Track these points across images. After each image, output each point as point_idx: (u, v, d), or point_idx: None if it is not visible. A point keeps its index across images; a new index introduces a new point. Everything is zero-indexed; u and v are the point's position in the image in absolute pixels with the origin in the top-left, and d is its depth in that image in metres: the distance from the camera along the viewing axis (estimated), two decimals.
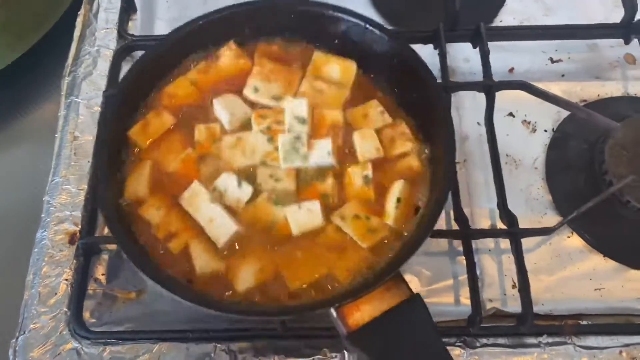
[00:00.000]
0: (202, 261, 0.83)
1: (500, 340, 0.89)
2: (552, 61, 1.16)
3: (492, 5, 1.22)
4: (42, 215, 0.99)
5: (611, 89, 1.11)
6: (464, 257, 0.92)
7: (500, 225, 0.97)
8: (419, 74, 0.92)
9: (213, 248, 0.85)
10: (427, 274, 0.95)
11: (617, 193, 0.96)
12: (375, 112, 0.93)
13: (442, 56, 1.06)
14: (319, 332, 0.89)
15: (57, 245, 0.97)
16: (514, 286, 0.94)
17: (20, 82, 1.20)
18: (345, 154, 0.91)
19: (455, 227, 0.96)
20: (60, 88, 1.11)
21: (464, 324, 0.90)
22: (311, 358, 0.87)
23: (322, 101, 0.94)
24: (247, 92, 0.94)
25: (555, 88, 1.07)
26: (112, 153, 0.90)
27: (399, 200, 0.86)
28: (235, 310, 0.81)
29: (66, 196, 1.00)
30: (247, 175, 0.88)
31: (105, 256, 0.98)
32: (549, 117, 1.08)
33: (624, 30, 1.11)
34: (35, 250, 0.97)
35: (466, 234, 0.93)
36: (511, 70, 1.14)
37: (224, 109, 0.92)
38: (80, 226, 0.98)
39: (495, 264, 0.97)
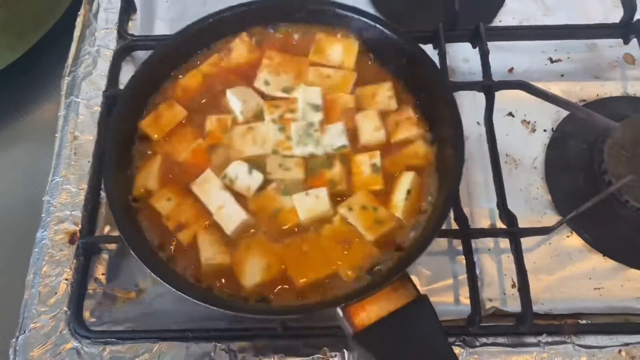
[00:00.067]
0: (209, 253, 0.84)
1: (500, 340, 0.89)
2: (552, 61, 1.16)
3: (491, 5, 1.22)
4: (42, 215, 0.99)
5: (610, 88, 1.11)
6: (463, 257, 0.92)
7: (500, 224, 0.97)
8: (430, 76, 0.93)
9: (220, 240, 0.85)
10: (426, 274, 0.95)
11: (616, 193, 0.96)
12: (384, 95, 0.94)
13: (442, 56, 1.07)
14: (319, 332, 0.89)
15: (57, 245, 0.97)
16: (513, 286, 0.94)
17: (20, 82, 1.20)
18: (355, 137, 0.92)
19: (454, 226, 0.96)
20: (60, 88, 1.11)
21: (464, 324, 0.90)
22: (311, 357, 0.87)
23: (331, 86, 0.95)
24: (258, 85, 0.95)
25: (554, 88, 1.07)
26: (121, 147, 0.91)
27: (409, 192, 0.86)
28: (241, 309, 0.81)
29: (66, 196, 1.00)
30: (257, 164, 0.89)
31: (105, 256, 0.98)
32: (549, 116, 1.08)
33: (623, 30, 1.11)
34: (36, 249, 0.97)
35: (466, 233, 0.94)
36: (510, 70, 1.14)
37: (237, 99, 0.93)
38: (80, 226, 0.98)
39: (494, 263, 0.97)
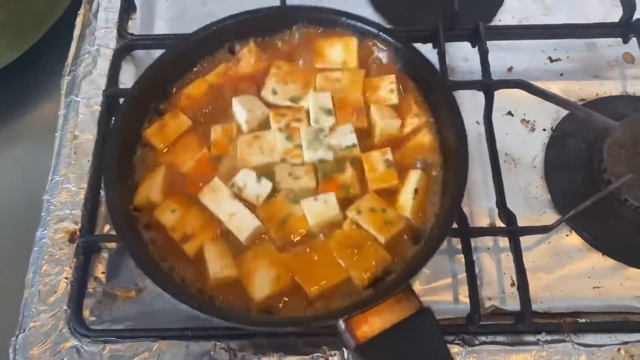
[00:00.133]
0: (217, 266, 0.82)
1: (499, 338, 0.89)
2: (551, 60, 1.16)
3: (491, 4, 1.23)
4: (42, 214, 0.99)
5: (610, 88, 1.11)
6: (463, 256, 0.92)
7: (499, 223, 0.98)
8: (431, 83, 0.93)
9: (228, 252, 0.84)
10: (426, 273, 0.95)
11: (616, 191, 0.96)
12: (386, 88, 0.93)
13: (441, 55, 1.07)
14: (318, 330, 0.89)
15: (57, 244, 0.97)
16: (512, 284, 0.94)
17: (20, 81, 1.20)
18: (365, 136, 0.91)
19: (454, 225, 0.96)
20: (60, 87, 1.11)
21: (463, 322, 0.90)
22: (310, 356, 0.88)
23: (342, 89, 0.94)
24: (266, 94, 0.94)
25: (554, 87, 1.07)
26: (122, 156, 0.90)
27: (416, 191, 0.86)
28: (243, 320, 0.80)
29: (66, 195, 1.00)
30: (265, 173, 0.88)
31: (105, 254, 0.98)
32: (548, 116, 1.08)
33: (623, 29, 1.11)
34: (35, 248, 0.97)
35: (465, 232, 0.94)
36: (510, 69, 1.14)
37: (242, 107, 0.92)
38: (80, 225, 0.98)
39: (494, 262, 0.97)
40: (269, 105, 0.94)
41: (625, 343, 0.88)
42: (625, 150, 0.98)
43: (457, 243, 0.95)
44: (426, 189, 0.87)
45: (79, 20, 1.18)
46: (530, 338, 0.89)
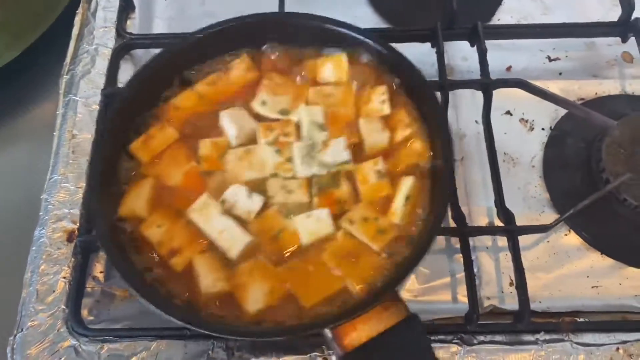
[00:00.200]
0: (209, 280, 0.80)
1: (498, 338, 0.89)
2: (550, 59, 1.16)
3: (490, 3, 1.22)
4: (40, 213, 0.99)
5: (609, 87, 1.11)
6: (461, 255, 0.92)
7: (498, 223, 0.97)
8: (417, 89, 0.91)
9: (219, 266, 0.81)
10: (424, 272, 0.95)
11: (614, 191, 0.96)
12: (377, 100, 0.91)
13: (440, 54, 1.06)
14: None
15: (55, 243, 0.97)
16: (511, 284, 0.94)
17: (18, 80, 1.20)
18: (357, 150, 0.89)
19: (452, 224, 0.96)
20: (59, 86, 1.11)
21: (461, 322, 0.90)
22: (308, 355, 0.87)
23: (334, 104, 0.92)
24: (255, 105, 0.92)
25: (552, 86, 1.07)
26: (109, 168, 0.87)
27: (408, 198, 0.85)
28: (229, 331, 0.79)
29: (64, 194, 1.00)
30: (257, 188, 0.86)
31: (103, 254, 0.98)
32: (547, 115, 1.08)
33: (622, 28, 1.11)
34: (34, 248, 0.97)
35: (463, 231, 0.94)
36: (509, 68, 1.14)
37: (231, 122, 0.89)
38: (78, 224, 0.98)
39: (492, 261, 0.97)
40: (257, 116, 0.91)
41: (624, 342, 0.88)
42: (624, 150, 0.98)
43: (455, 242, 0.95)
44: (418, 195, 0.86)
45: (77, 20, 1.18)
46: (529, 337, 0.89)
